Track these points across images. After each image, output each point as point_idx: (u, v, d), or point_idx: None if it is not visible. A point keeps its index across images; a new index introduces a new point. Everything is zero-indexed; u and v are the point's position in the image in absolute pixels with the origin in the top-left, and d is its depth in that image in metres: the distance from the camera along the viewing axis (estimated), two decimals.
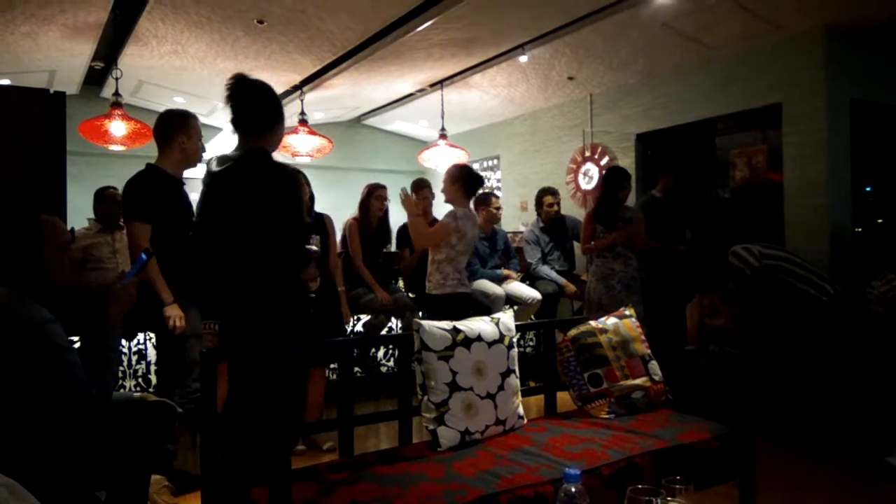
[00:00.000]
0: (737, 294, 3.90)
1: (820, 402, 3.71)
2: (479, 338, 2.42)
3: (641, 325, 2.98)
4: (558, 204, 5.50)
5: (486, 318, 2.55)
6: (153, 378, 4.10)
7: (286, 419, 2.10)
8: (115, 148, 5.42)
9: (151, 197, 2.94)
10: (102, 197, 4.53)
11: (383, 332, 4.79)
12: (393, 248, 5.05)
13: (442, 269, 3.82)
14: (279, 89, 6.27)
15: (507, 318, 2.59)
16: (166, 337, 2.98)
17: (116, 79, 5.21)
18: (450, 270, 3.80)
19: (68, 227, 3.21)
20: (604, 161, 6.26)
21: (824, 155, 4.53)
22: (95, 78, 6.40)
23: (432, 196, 5.09)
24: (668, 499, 1.47)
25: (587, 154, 6.47)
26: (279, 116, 2.46)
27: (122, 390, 3.94)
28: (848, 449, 3.60)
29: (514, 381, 2.49)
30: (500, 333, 2.49)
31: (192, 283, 2.90)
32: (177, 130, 3.01)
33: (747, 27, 4.65)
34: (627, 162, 6.03)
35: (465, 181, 3.87)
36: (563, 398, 2.88)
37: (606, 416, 2.66)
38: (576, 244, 5.57)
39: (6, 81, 5.63)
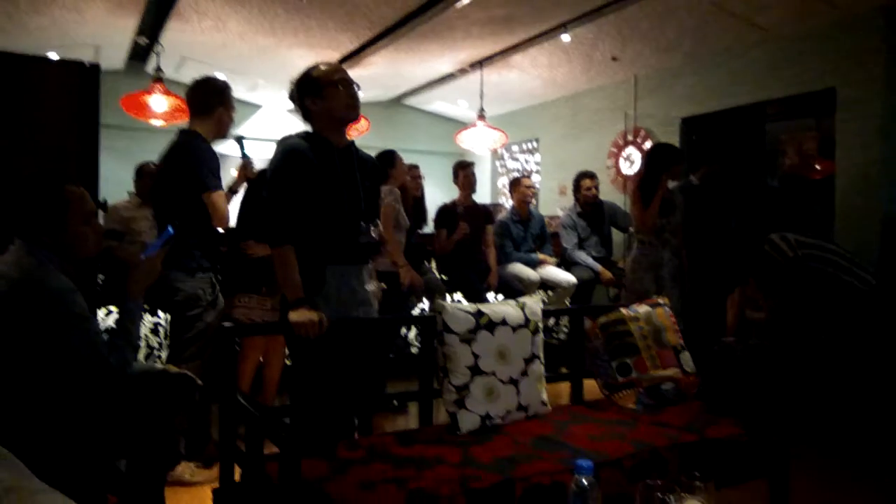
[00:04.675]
0: (766, 285, 3.71)
1: (856, 405, 3.52)
2: (503, 321, 2.36)
3: (676, 319, 2.88)
4: (596, 188, 5.34)
5: (512, 302, 2.49)
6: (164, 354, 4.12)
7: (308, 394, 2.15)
8: (155, 122, 5.48)
9: (209, 162, 2.76)
10: (142, 172, 4.59)
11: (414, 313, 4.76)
12: (430, 228, 5.01)
13: None
14: None
15: (533, 302, 2.53)
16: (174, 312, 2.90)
17: (157, 54, 5.26)
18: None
19: (102, 199, 3.27)
20: (646, 145, 6.10)
21: (879, 142, 4.31)
22: (141, 54, 6.46)
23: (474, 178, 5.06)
24: (683, 495, 1.39)
25: (629, 138, 6.31)
26: (309, 93, 2.34)
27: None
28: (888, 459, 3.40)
29: (539, 366, 2.44)
30: (526, 318, 2.43)
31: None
32: (217, 100, 2.85)
33: (801, 7, 4.43)
34: None
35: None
36: (593, 387, 2.81)
37: (634, 407, 2.58)
38: (614, 231, 5.44)
39: (54, 55, 5.73)
